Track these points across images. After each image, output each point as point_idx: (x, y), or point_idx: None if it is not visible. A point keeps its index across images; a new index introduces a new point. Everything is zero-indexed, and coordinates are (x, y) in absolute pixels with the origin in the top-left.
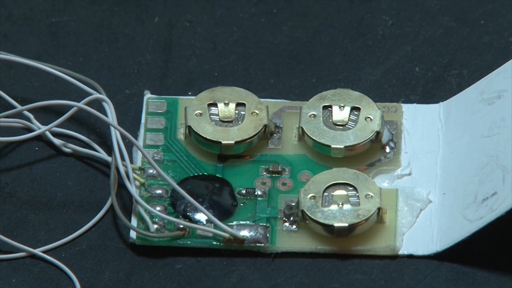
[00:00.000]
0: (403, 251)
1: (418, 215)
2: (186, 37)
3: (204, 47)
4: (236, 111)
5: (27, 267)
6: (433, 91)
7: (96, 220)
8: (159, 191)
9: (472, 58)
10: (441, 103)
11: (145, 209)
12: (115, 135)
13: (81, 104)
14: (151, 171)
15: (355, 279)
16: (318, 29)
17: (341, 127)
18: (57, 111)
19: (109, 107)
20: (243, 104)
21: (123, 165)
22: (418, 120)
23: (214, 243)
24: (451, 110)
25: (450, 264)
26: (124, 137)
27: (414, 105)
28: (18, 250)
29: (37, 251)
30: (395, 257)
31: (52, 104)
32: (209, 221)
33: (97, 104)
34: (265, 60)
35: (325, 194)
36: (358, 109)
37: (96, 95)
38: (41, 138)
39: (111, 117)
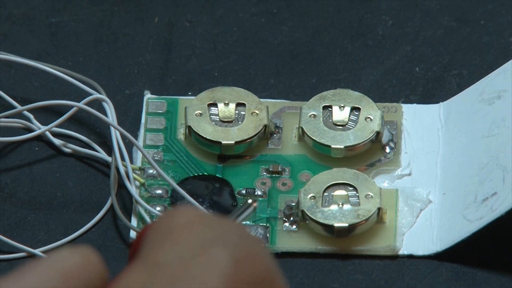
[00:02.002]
0: (403, 251)
1: (418, 215)
2: (186, 37)
3: (204, 47)
4: (236, 111)
5: None
6: (433, 91)
7: (96, 220)
8: (159, 191)
9: (472, 58)
10: (441, 103)
11: (145, 209)
12: (115, 135)
13: (81, 104)
14: (151, 171)
15: (355, 279)
16: (318, 29)
17: (341, 127)
18: (57, 111)
19: (109, 107)
20: (243, 104)
21: (123, 165)
22: (418, 120)
23: None
24: (451, 110)
25: (450, 264)
26: (124, 137)
27: (414, 105)
28: (18, 250)
29: (37, 251)
30: (395, 257)
31: (52, 104)
32: None
33: (97, 104)
34: (265, 60)
35: (325, 194)
36: (358, 109)
37: (96, 95)
38: (41, 138)
39: (111, 117)
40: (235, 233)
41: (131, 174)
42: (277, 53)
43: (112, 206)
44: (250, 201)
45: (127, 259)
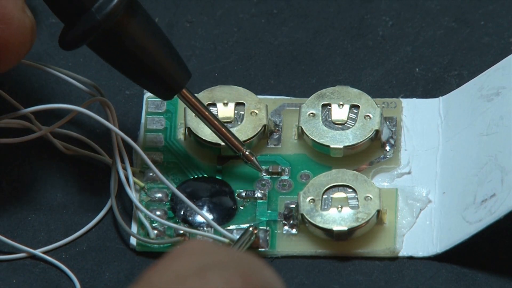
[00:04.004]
0: (403, 252)
1: (418, 215)
2: (186, 38)
3: (204, 48)
4: (235, 111)
5: (28, 267)
6: (433, 92)
7: (96, 221)
8: (159, 195)
9: (472, 59)
10: (440, 97)
11: (145, 215)
12: (116, 139)
13: (82, 108)
14: (151, 174)
15: (355, 280)
16: (318, 30)
17: (340, 126)
18: (58, 112)
19: (109, 109)
20: (242, 104)
21: (123, 168)
22: (417, 116)
23: None
24: (450, 105)
25: (451, 265)
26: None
27: (414, 99)
28: (19, 250)
29: (38, 252)
30: (395, 258)
31: (53, 107)
32: (209, 225)
33: (98, 105)
34: (265, 61)
35: (324, 196)
36: (357, 107)
37: (97, 97)
38: (42, 139)
39: (112, 120)
40: (236, 260)
41: (131, 179)
42: (277, 54)
43: (112, 206)
44: (250, 229)
45: (127, 260)
